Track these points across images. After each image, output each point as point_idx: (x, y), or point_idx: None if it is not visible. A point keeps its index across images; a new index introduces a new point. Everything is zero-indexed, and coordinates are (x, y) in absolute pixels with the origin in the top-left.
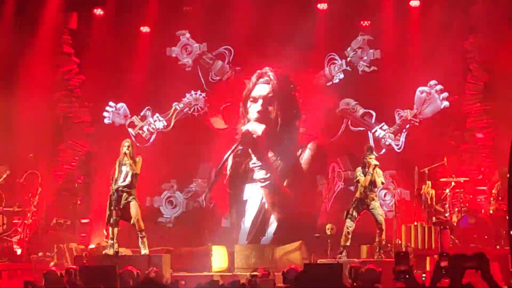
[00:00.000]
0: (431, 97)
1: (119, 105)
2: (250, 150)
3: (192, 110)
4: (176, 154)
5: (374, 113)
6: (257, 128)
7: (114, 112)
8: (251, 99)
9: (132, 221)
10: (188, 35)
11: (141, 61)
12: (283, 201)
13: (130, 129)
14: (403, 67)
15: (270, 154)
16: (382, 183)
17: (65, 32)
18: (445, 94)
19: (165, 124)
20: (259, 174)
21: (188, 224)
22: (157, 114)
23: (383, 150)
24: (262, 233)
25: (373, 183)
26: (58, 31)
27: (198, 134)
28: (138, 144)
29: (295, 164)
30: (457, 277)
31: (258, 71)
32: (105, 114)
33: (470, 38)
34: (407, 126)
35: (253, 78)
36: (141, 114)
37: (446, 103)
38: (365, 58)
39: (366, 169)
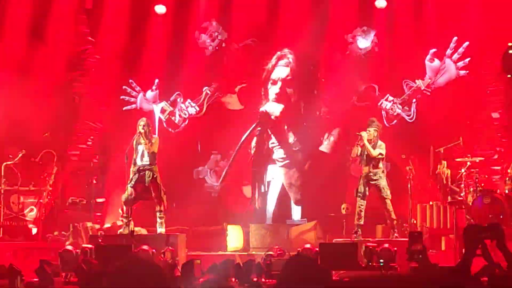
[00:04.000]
0: (446, 65)
1: (149, 94)
2: (268, 130)
3: (223, 93)
4: (208, 139)
5: (376, 86)
6: (275, 109)
7: (142, 98)
8: (271, 81)
9: (154, 197)
10: (213, 23)
11: (159, 43)
12: (301, 182)
13: (160, 115)
14: (413, 42)
15: (292, 137)
16: (381, 154)
17: (81, 12)
18: (461, 64)
19: (197, 109)
20: (278, 153)
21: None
22: (189, 100)
23: (394, 121)
24: (286, 215)
25: (371, 157)
26: (74, 11)
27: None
28: (170, 130)
29: (317, 147)
30: (472, 247)
31: (278, 52)
32: (131, 99)
33: (485, 17)
34: (418, 96)
35: (273, 60)
36: (171, 99)
37: (462, 72)
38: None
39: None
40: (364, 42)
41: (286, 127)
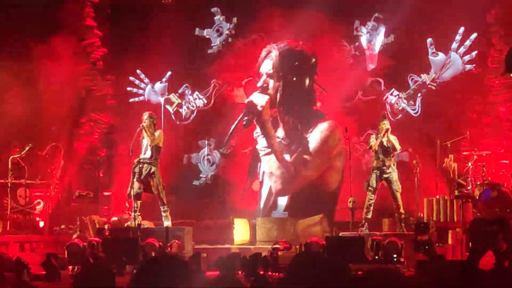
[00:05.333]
0: (452, 60)
1: (158, 86)
2: (254, 120)
3: (230, 86)
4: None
5: (382, 81)
6: (260, 99)
7: (151, 90)
8: (258, 74)
9: (154, 192)
10: (219, 16)
11: (167, 36)
12: (281, 172)
13: (168, 107)
14: (418, 37)
15: (280, 132)
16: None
17: (88, 5)
18: (468, 57)
19: (205, 102)
20: (261, 143)
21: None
22: (196, 92)
23: (399, 116)
24: (274, 207)
25: (387, 149)
26: (81, 4)
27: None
28: (178, 122)
29: (309, 140)
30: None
31: (268, 46)
32: (139, 91)
33: (492, 11)
34: (423, 90)
35: (262, 54)
36: (179, 91)
37: (469, 66)
38: (373, 42)
39: (379, 135)
40: (371, 37)
41: (271, 118)
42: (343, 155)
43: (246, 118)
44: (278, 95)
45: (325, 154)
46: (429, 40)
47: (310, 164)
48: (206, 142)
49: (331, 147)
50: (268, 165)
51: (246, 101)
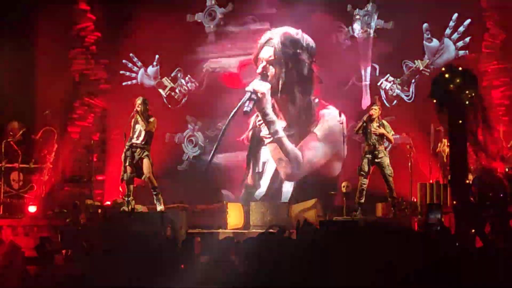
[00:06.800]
0: (445, 46)
1: (150, 69)
2: (255, 107)
3: (223, 70)
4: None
5: (377, 66)
6: (261, 86)
7: (143, 73)
8: (258, 60)
9: (143, 178)
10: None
11: (161, 19)
12: (292, 157)
13: (160, 90)
14: (413, 23)
15: (282, 122)
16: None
17: None
18: (460, 43)
19: (197, 85)
20: (264, 131)
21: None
22: (189, 76)
23: (394, 102)
24: (277, 197)
25: (377, 135)
26: None
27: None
28: (170, 106)
29: (315, 128)
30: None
31: (268, 32)
32: (132, 75)
33: None
34: (417, 76)
35: (262, 40)
36: (172, 75)
37: (462, 52)
38: (372, 24)
39: (363, 119)
40: (364, 23)
41: (272, 106)
42: (346, 142)
43: (247, 104)
44: (281, 82)
45: (331, 142)
46: (425, 25)
47: (318, 151)
48: (191, 118)
49: (338, 135)
50: (276, 151)
51: (247, 88)
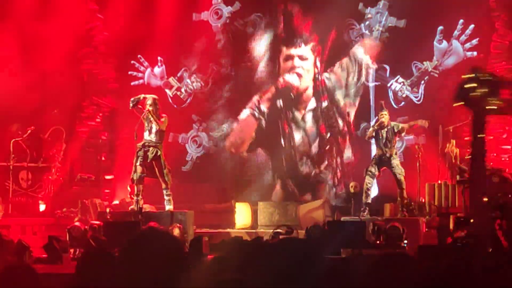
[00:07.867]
0: (453, 47)
1: (156, 69)
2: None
3: (229, 69)
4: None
5: (388, 67)
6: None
7: (150, 73)
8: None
9: (158, 176)
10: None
11: (168, 19)
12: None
13: (167, 90)
14: (423, 24)
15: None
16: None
17: None
18: (468, 45)
19: (203, 84)
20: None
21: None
22: (194, 75)
23: (402, 103)
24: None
25: (387, 139)
26: None
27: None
28: (175, 106)
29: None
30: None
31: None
32: (139, 75)
33: None
34: (426, 78)
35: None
36: (178, 75)
37: (469, 54)
38: (383, 23)
39: (374, 125)
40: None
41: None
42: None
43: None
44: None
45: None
46: (440, 27)
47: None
48: (197, 118)
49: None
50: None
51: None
